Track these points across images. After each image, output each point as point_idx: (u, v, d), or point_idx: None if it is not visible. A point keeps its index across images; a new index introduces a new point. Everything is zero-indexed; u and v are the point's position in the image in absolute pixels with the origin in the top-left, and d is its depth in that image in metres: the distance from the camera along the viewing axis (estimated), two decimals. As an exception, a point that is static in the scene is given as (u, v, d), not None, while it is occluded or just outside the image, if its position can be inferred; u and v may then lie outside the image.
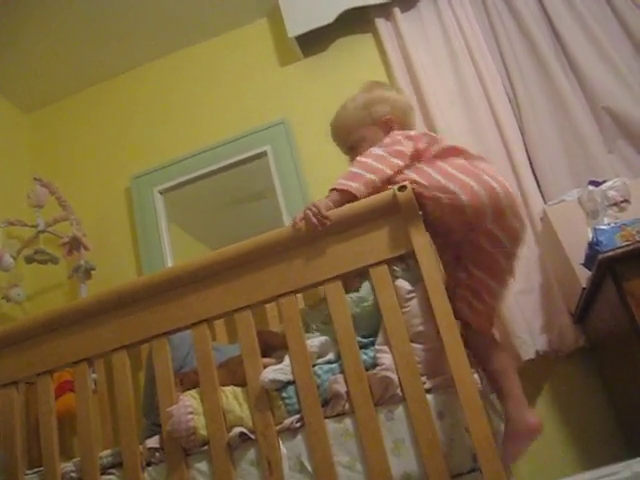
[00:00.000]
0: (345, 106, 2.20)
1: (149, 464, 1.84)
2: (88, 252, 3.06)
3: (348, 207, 1.78)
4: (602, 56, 2.81)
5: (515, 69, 2.93)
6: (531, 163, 2.77)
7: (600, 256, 1.90)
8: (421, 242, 1.70)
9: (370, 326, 1.77)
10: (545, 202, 2.61)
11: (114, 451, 1.92)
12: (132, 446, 1.83)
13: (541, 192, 2.69)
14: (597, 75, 2.79)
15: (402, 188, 1.72)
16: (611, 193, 2.22)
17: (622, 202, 2.21)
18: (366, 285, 1.82)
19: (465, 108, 2.90)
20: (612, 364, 2.27)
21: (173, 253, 3.07)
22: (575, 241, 2.18)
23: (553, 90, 2.84)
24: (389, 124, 2.09)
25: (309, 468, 1.67)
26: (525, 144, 2.81)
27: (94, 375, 2.61)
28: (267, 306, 2.55)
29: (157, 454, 1.83)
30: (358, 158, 1.92)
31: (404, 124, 2.13)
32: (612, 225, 2.05)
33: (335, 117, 2.22)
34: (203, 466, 1.77)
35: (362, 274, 1.81)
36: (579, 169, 2.69)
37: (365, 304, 1.79)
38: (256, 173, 3.12)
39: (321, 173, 3.00)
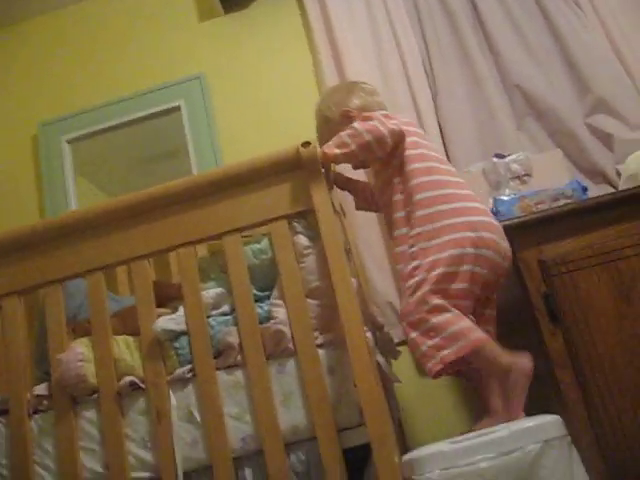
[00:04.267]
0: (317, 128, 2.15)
1: (36, 412, 1.81)
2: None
3: (250, 160, 1.78)
4: (519, 35, 2.87)
5: (434, 43, 2.94)
6: (442, 135, 2.81)
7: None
8: (321, 199, 1.72)
9: (267, 279, 1.79)
10: (453, 173, 2.65)
11: (1, 398, 1.88)
12: (19, 393, 1.80)
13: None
14: (512, 54, 2.84)
15: (306, 144, 1.72)
16: (514, 166, 2.28)
17: (524, 176, 2.27)
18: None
19: (382, 76, 2.91)
20: (509, 333, 2.33)
21: (79, 206, 2.99)
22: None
23: (469, 66, 2.88)
24: (348, 115, 2.01)
25: (198, 418, 1.68)
26: (437, 116, 2.84)
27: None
28: (171, 259, 2.55)
29: (45, 402, 1.81)
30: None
31: (366, 107, 2.04)
32: (512, 196, 2.11)
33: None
34: (92, 414, 1.76)
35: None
36: (488, 143, 2.74)
37: (264, 257, 1.80)
38: (169, 130, 3.05)
39: (235, 133, 2.97)
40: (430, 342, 1.67)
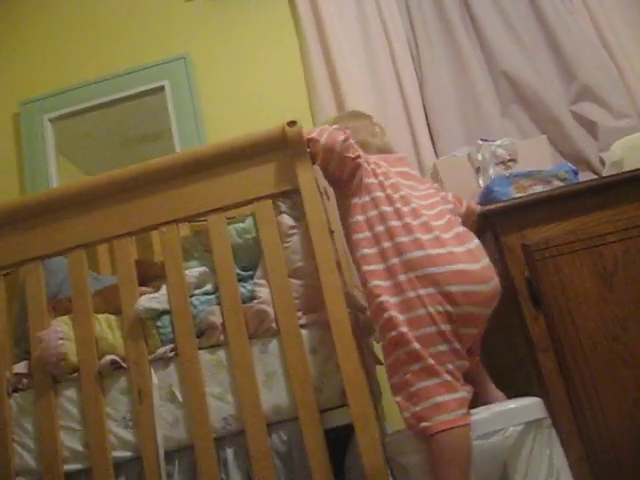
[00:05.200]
0: None
1: (15, 390, 1.79)
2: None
3: (234, 139, 1.77)
4: (506, 22, 2.88)
5: (421, 29, 2.94)
6: (427, 119, 2.80)
7: (481, 208, 1.94)
8: (307, 179, 1.71)
9: (251, 259, 1.78)
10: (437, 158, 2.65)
11: (-20, 377, 1.86)
12: (-2, 371, 1.78)
13: (435, 148, 2.74)
14: (499, 40, 2.85)
15: (292, 123, 1.71)
16: (499, 151, 2.28)
17: (509, 161, 2.27)
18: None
19: (368, 62, 2.90)
20: (491, 317, 2.33)
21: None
22: (461, 195, 2.22)
23: (455, 51, 2.89)
24: None
25: (180, 398, 1.67)
26: (423, 100, 2.83)
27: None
28: (154, 238, 2.52)
29: (24, 380, 1.78)
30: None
31: None
32: (506, 175, 2.09)
33: None
34: (72, 393, 1.74)
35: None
36: (473, 129, 2.75)
37: (248, 236, 1.79)
38: (152, 111, 3.02)
39: (220, 114, 2.94)
40: (412, 409, 1.54)
